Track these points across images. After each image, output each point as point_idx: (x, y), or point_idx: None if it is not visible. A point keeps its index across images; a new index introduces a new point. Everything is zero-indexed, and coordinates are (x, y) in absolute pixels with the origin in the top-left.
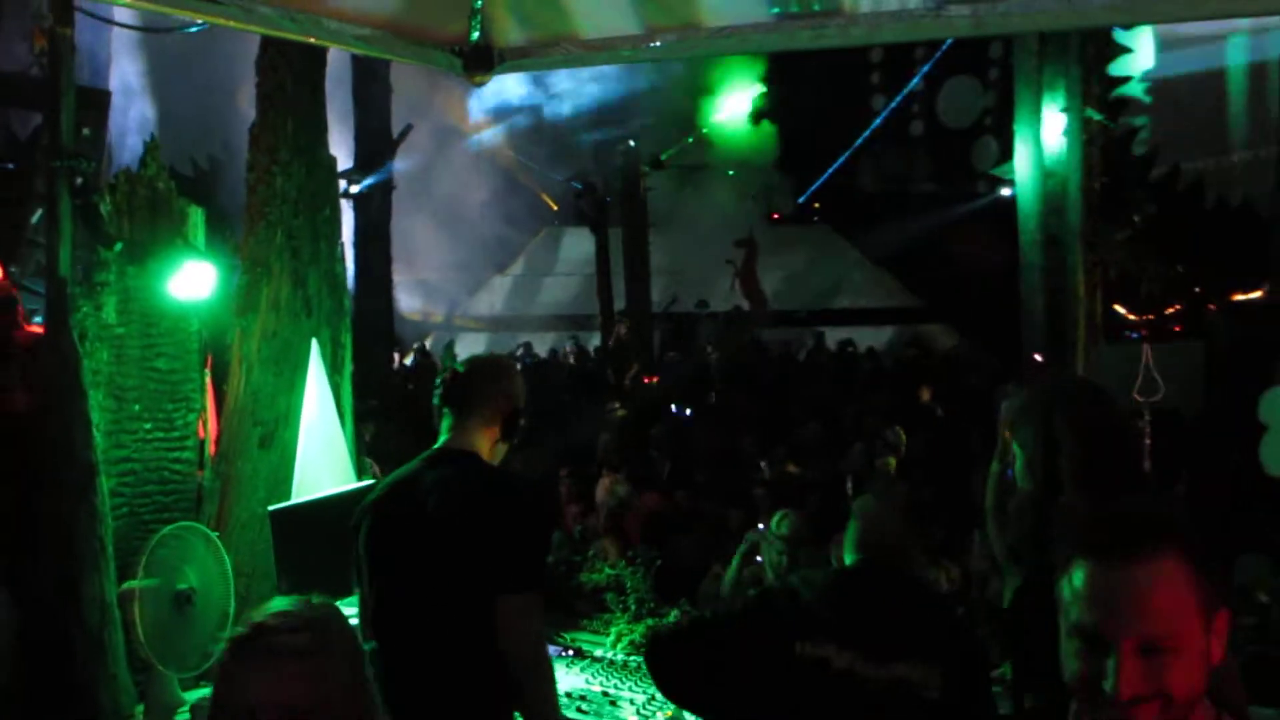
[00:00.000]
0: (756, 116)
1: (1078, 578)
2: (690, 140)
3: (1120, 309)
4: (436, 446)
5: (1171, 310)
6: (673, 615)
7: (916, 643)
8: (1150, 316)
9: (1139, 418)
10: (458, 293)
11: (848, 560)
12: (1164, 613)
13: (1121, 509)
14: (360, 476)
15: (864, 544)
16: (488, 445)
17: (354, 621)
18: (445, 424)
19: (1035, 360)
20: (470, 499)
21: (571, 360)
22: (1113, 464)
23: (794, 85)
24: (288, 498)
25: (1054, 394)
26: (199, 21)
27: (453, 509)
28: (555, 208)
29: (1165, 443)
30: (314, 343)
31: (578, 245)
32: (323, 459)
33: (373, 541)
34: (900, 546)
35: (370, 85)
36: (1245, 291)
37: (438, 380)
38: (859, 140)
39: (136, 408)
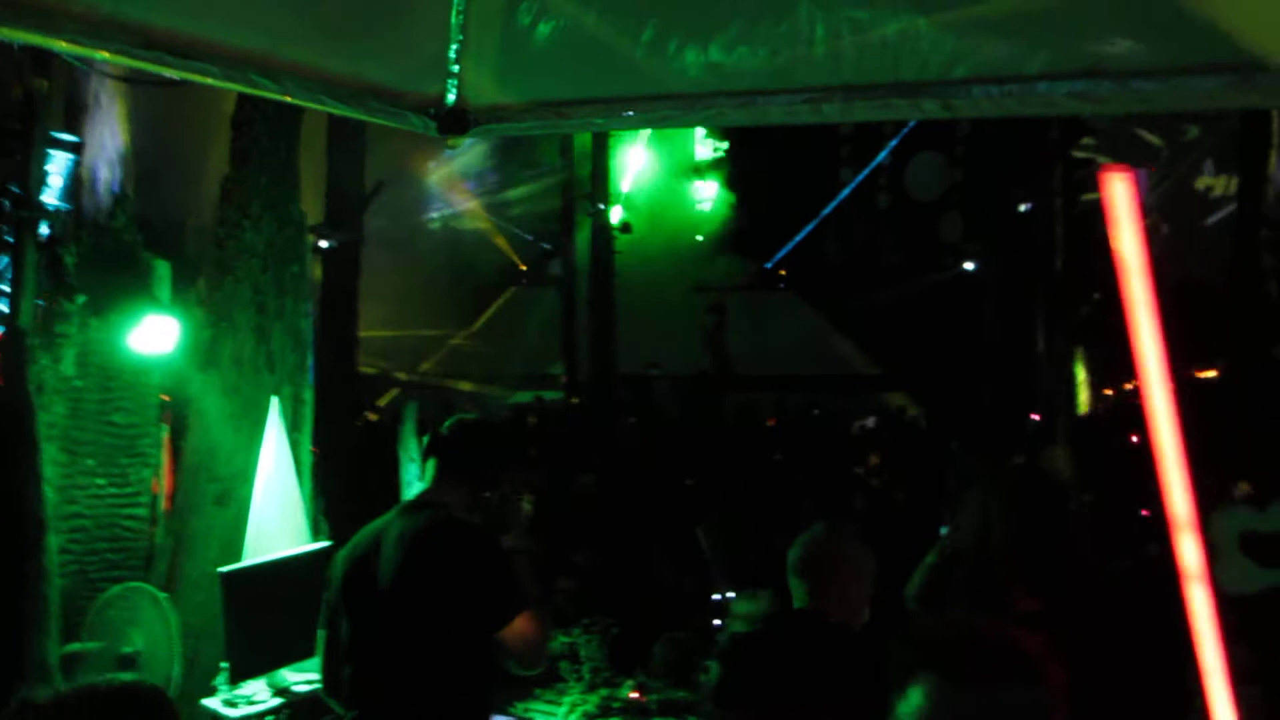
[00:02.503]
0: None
1: (920, 695)
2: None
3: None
4: (412, 497)
5: (1130, 385)
6: (627, 685)
7: (822, 691)
8: (1110, 391)
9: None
10: (422, 350)
11: (790, 583)
12: None
13: (978, 628)
14: (316, 537)
15: (800, 566)
16: (462, 499)
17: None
18: (427, 475)
19: (1032, 419)
20: (430, 546)
21: (533, 419)
22: (1043, 555)
23: (764, 153)
24: (241, 558)
25: (995, 485)
26: (174, 77)
27: (412, 557)
28: (524, 267)
29: None
30: (274, 399)
31: (544, 305)
32: (278, 518)
33: (346, 592)
34: (831, 572)
35: (344, 141)
36: (1204, 369)
37: (426, 436)
38: (826, 209)
39: (90, 462)
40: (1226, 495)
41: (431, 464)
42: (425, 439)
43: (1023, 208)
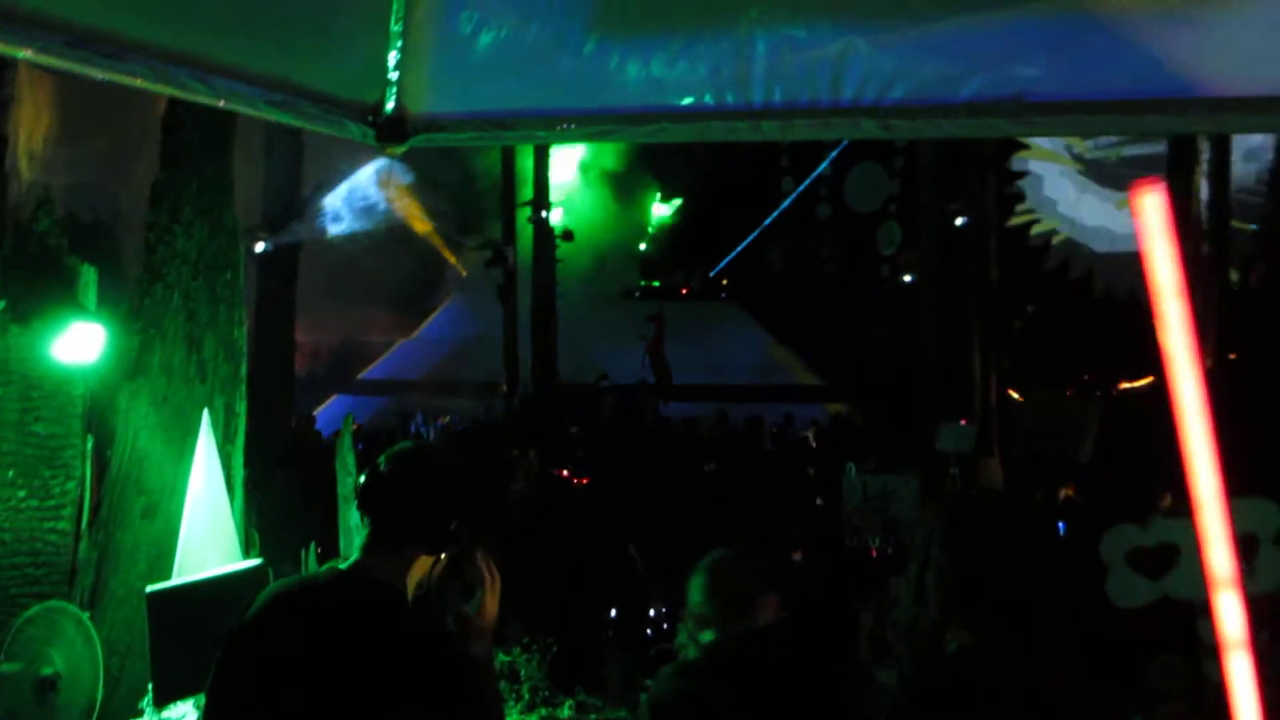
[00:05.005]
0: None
1: None
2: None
3: (1014, 394)
4: (345, 566)
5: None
6: (567, 705)
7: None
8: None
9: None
10: (363, 356)
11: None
12: None
13: None
14: (247, 553)
15: (714, 594)
16: (406, 564)
17: None
18: (362, 535)
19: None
20: (365, 652)
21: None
22: (980, 588)
23: (706, 163)
24: (170, 572)
25: (939, 510)
26: (100, 79)
27: (343, 662)
28: (465, 273)
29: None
30: (205, 410)
31: (486, 311)
32: (208, 533)
33: (249, 670)
34: (748, 596)
35: (281, 144)
36: (1131, 380)
37: (361, 478)
38: (768, 220)
39: (10, 474)
40: (1154, 506)
41: (366, 525)
42: (361, 480)
43: (958, 221)
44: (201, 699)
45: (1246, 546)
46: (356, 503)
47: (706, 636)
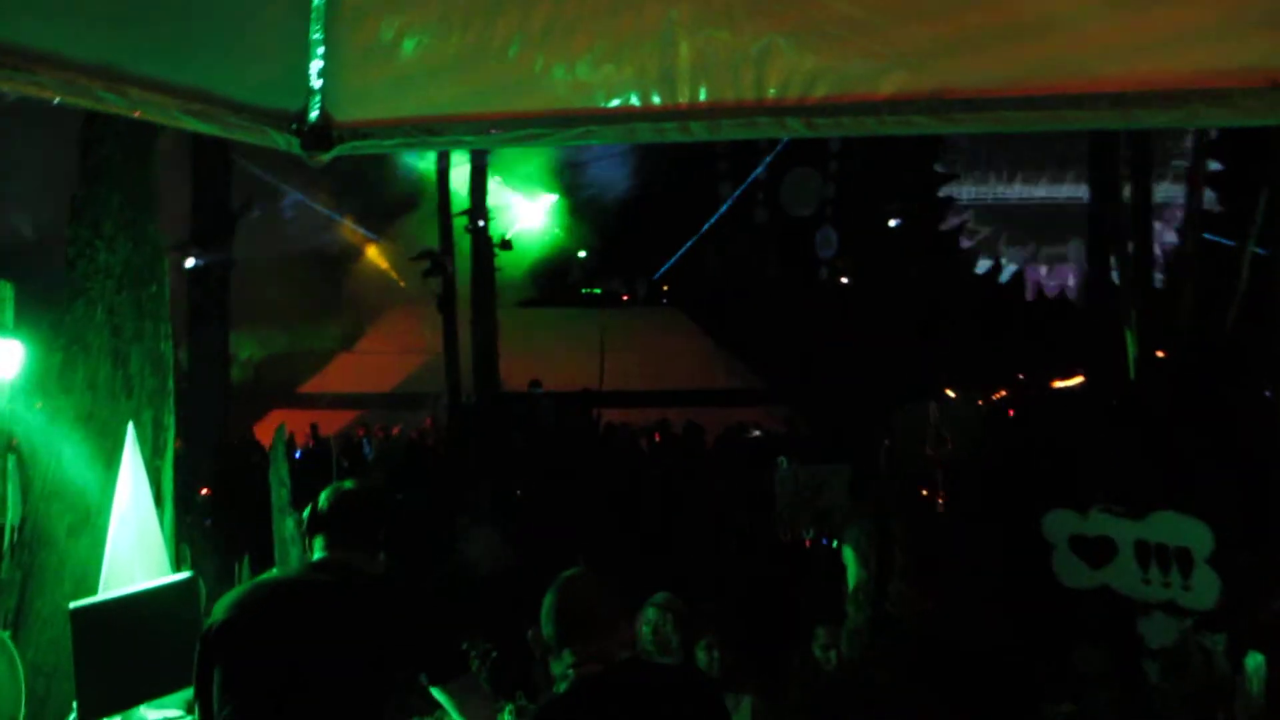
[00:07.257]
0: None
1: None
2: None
3: (950, 393)
4: (317, 559)
5: (999, 395)
6: (507, 710)
7: None
8: (979, 402)
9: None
10: (302, 369)
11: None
12: None
13: None
14: (178, 567)
15: (561, 617)
16: (357, 559)
17: None
18: (319, 543)
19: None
20: (380, 601)
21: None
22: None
23: (645, 168)
24: (96, 590)
25: (887, 495)
26: (10, 95)
27: (365, 611)
28: (404, 284)
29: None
30: (131, 425)
31: (425, 322)
32: (136, 549)
33: (254, 649)
34: (603, 618)
35: (209, 157)
36: (1064, 378)
37: (305, 511)
38: (706, 225)
39: None
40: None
41: (319, 539)
42: (304, 513)
43: (892, 223)
44: (131, 714)
45: (1181, 562)
46: (307, 526)
47: (555, 665)
